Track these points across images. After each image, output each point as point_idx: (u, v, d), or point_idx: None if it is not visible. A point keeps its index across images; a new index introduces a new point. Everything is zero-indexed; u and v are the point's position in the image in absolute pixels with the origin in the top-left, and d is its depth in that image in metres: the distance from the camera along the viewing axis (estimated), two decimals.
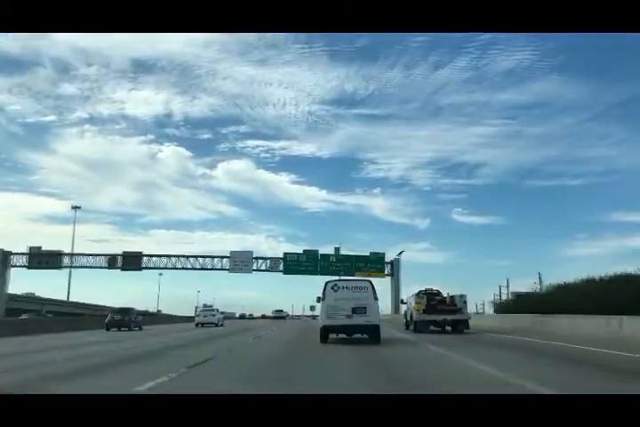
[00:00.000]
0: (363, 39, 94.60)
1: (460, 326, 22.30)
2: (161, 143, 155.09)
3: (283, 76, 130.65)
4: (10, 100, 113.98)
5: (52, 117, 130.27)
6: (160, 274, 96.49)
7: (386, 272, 79.28)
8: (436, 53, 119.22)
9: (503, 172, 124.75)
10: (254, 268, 77.69)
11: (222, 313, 45.16)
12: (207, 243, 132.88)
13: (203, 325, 39.27)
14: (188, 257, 77.33)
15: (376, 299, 16.11)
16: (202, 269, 77.52)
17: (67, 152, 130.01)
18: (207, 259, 77.47)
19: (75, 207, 77.53)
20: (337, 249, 78.91)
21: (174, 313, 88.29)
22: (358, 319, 15.49)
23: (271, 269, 77.96)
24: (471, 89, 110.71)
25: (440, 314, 22.26)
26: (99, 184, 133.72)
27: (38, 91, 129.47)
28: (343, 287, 15.88)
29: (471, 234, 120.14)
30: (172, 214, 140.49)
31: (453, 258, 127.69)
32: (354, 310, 15.44)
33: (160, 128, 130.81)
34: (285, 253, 78.32)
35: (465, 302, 22.98)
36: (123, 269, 76.60)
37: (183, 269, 77.30)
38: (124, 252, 76.67)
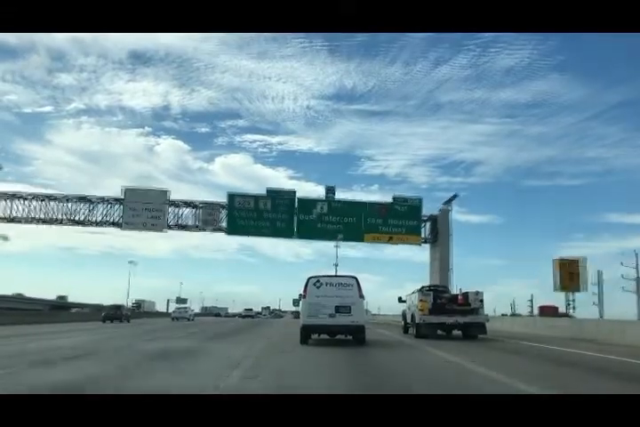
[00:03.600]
0: (363, 34, 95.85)
1: (474, 331, 18.49)
2: (158, 136, 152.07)
3: (282, 70, 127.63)
4: (5, 89, 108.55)
5: (48, 108, 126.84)
6: (131, 262, 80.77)
7: (422, 236, 42.39)
8: (436, 50, 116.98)
9: (501, 170, 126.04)
10: (174, 222, 40.94)
11: (193, 310, 61.41)
12: (203, 237, 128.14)
13: (178, 319, 47.22)
14: (40, 200, 40.30)
15: (362, 297, 14.88)
16: (70, 221, 40.66)
17: (63, 143, 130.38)
18: (82, 204, 40.52)
19: None
20: (330, 190, 41.69)
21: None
22: (342, 319, 14.43)
23: (204, 225, 41.09)
24: (471, 87, 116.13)
25: (450, 315, 18.47)
26: (95, 176, 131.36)
27: (35, 80, 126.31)
28: (327, 284, 14.83)
29: (467, 232, 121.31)
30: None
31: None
32: (337, 309, 14.46)
33: (158, 121, 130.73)
34: (232, 195, 41.19)
35: (481, 301, 18.78)
36: None
37: (33, 220, 40.43)
38: None
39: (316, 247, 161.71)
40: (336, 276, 16.11)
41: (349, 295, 14.56)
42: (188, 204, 40.97)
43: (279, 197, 40.86)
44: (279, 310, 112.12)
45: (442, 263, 41.23)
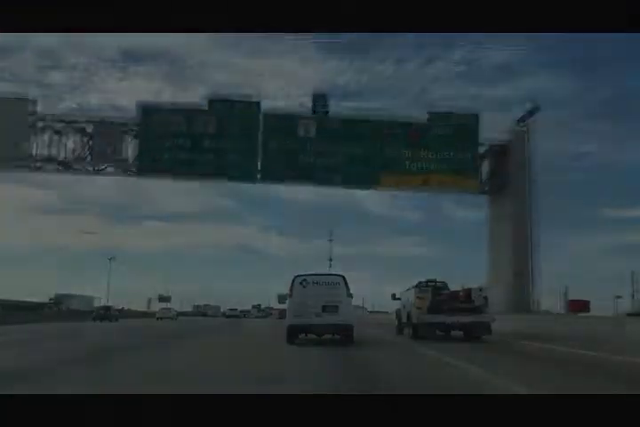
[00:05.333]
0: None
1: (478, 331, 16.21)
2: None
3: (274, 67, 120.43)
4: None
5: (39, 106, 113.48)
6: (110, 258, 69.96)
7: (481, 180, 24.84)
8: (428, 47, 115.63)
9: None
10: (45, 155, 23.36)
11: (176, 311, 59.64)
12: (198, 234, 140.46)
13: (162, 318, 47.83)
14: None
15: (349, 296, 14.34)
16: None
17: None
18: None
19: None
20: (320, 100, 24.24)
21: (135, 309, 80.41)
22: (329, 319, 13.94)
23: (99, 160, 23.48)
24: (463, 83, 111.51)
25: (451, 314, 16.21)
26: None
27: (25, 79, 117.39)
28: (313, 283, 14.48)
29: (462, 228, 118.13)
30: (163, 206, 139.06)
31: (444, 252, 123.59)
32: (324, 309, 13.97)
33: None
34: (146, 109, 23.54)
35: (485, 298, 16.63)
36: None
37: None
38: None
39: (312, 244, 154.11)
40: (323, 274, 15.41)
41: (336, 294, 14.06)
42: (69, 124, 23.32)
43: (231, 113, 23.40)
44: (271, 308, 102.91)
45: (517, 228, 23.70)
